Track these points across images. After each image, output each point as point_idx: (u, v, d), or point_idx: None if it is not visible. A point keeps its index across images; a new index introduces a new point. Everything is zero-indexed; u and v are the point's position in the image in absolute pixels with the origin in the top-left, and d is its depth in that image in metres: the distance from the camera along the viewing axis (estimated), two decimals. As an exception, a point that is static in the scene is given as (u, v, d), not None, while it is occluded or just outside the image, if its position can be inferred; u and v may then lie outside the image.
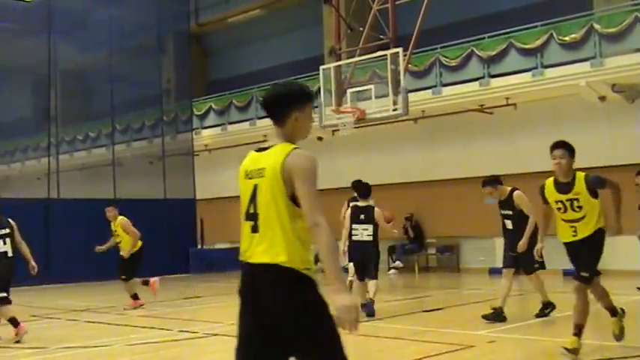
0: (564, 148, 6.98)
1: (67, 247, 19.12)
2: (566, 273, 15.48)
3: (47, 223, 19.57)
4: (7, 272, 9.19)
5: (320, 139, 20.18)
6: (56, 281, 18.35)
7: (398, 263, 18.25)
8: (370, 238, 10.36)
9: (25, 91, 28.43)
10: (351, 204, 11.07)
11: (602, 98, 15.95)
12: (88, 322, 11.07)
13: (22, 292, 16.99)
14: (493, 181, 9.58)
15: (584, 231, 6.99)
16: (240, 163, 3.80)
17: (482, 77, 17.16)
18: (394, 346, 8.12)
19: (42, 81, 22.83)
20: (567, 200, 7.01)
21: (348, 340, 3.66)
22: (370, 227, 10.33)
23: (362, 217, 10.39)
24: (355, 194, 11.34)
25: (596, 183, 6.99)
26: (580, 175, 7.03)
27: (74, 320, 11.38)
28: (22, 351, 8.45)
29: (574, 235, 7.08)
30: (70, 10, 23.02)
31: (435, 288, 15.63)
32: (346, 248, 10.40)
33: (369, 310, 10.09)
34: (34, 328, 10.88)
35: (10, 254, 9.27)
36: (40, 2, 21.63)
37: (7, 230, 9.38)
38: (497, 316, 9.12)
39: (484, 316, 9.17)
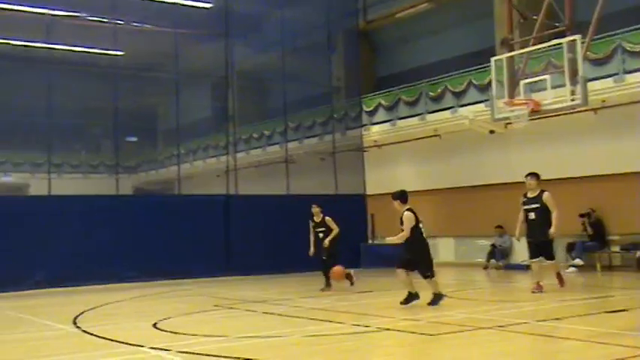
0: None
1: (245, 241, 19.99)
2: None
3: (227, 218, 20.53)
4: None
5: (492, 132, 19.66)
6: (236, 273, 19.23)
7: (578, 261, 17.41)
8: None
9: (205, 93, 30.04)
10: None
11: None
12: (265, 313, 11.46)
13: (207, 284, 18.00)
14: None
15: None
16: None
17: (671, 62, 15.96)
18: (574, 348, 7.72)
19: (220, 83, 23.99)
20: None
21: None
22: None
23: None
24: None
25: None
26: None
27: (252, 311, 11.84)
28: (203, 339, 8.91)
29: None
30: (246, 13, 24.03)
31: (618, 288, 14.74)
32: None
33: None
34: (215, 317, 11.46)
35: None
36: (218, 7, 22.70)
37: None
38: None
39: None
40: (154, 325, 10.08)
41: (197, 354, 7.62)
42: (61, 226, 17.97)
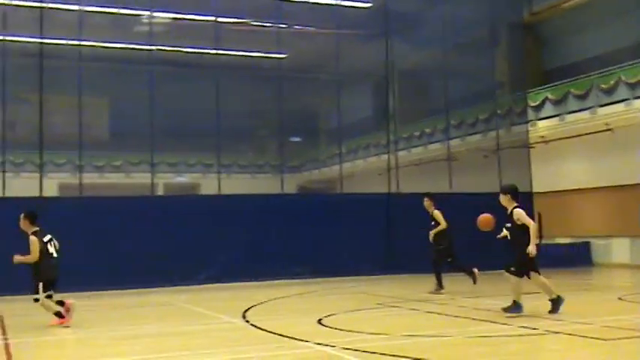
0: None
1: (406, 240, 19.87)
2: None
3: (388, 216, 20.54)
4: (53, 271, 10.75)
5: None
6: (397, 272, 19.19)
7: None
8: None
9: (366, 92, 30.24)
10: None
11: None
12: (428, 312, 11.33)
13: (369, 281, 18.09)
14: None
15: None
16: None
17: None
18: None
19: (381, 82, 24.04)
20: None
21: None
22: None
23: None
24: None
25: None
26: None
27: (415, 310, 11.76)
28: (367, 336, 8.93)
29: None
30: (406, 11, 23.91)
31: None
32: None
33: None
34: (378, 315, 11.48)
35: (55, 255, 10.82)
36: (377, 7, 22.77)
37: (50, 236, 10.83)
38: None
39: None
40: (319, 321, 10.25)
41: (361, 351, 7.64)
42: (230, 223, 18.74)
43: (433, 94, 27.66)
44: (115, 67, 26.43)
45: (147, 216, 18.16)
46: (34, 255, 10.58)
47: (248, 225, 18.90)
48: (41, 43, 19.17)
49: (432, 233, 14.40)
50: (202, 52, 22.84)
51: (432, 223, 14.54)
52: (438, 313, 11.15)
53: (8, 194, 18.13)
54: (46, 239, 10.76)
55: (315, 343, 8.26)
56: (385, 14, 22.47)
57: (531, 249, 10.16)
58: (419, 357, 7.32)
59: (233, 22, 22.09)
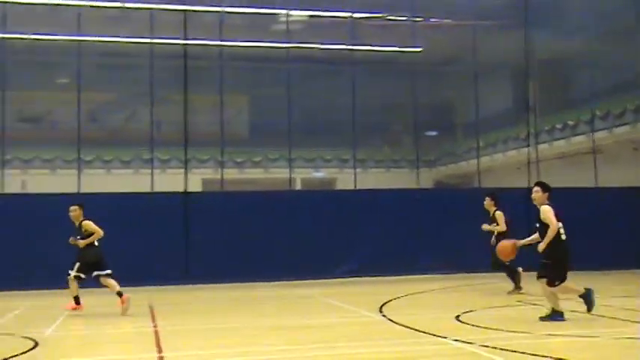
0: None
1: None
2: None
3: (528, 211, 19.87)
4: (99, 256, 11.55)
5: None
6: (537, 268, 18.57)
7: None
8: None
9: (504, 84, 29.48)
10: None
11: None
12: (572, 311, 10.85)
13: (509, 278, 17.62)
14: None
15: None
16: None
17: None
18: None
19: (520, 73, 23.36)
20: None
21: None
22: None
23: None
24: None
25: None
26: None
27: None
28: (506, 334, 8.72)
29: None
30: (545, -1, 23.13)
31: None
32: None
33: None
34: (519, 312, 11.17)
35: (96, 243, 11.58)
36: (516, -5, 22.14)
37: None
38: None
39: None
40: (457, 318, 10.11)
41: (500, 349, 7.47)
42: (366, 218, 18.84)
43: (576, 84, 26.57)
44: (254, 65, 27.22)
45: (285, 210, 18.58)
46: (97, 232, 11.49)
47: (384, 220, 18.92)
48: (185, 44, 20.03)
49: (487, 228, 14.19)
50: (338, 49, 23.09)
51: (493, 223, 14.19)
52: (583, 312, 10.69)
53: (156, 189, 19.11)
54: None
55: (453, 340, 8.15)
56: (524, 3, 21.79)
57: (541, 246, 9.77)
58: (562, 357, 7.06)
59: (368, 18, 22.19)
